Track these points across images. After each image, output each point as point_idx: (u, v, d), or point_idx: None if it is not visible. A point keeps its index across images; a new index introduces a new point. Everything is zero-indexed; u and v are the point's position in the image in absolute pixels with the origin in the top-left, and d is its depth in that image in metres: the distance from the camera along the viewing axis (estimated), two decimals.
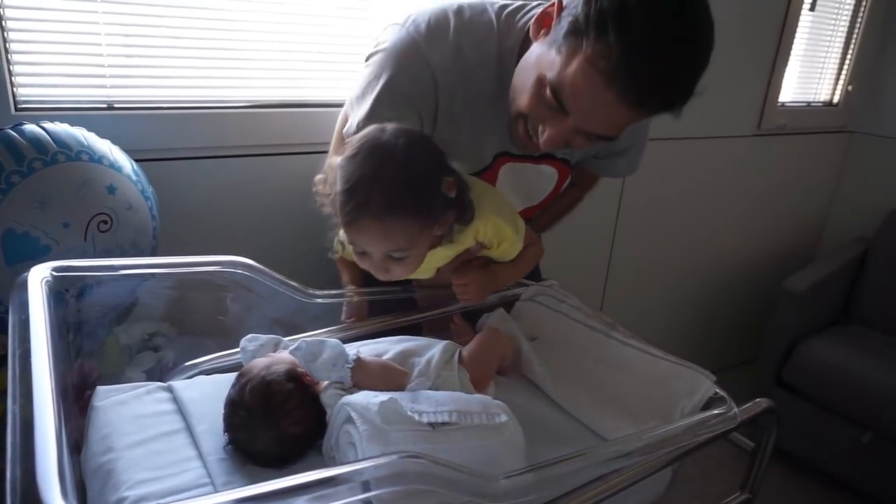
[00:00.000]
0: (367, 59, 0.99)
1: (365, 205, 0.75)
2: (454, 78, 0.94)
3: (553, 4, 0.84)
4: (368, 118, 0.92)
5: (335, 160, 0.82)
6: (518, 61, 0.92)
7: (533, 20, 0.88)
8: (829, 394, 2.07)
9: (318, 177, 0.86)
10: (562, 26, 0.80)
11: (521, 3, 0.99)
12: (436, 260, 0.93)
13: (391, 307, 1.10)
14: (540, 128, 0.88)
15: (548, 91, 0.83)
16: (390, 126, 0.80)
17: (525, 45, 0.91)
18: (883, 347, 2.19)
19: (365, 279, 1.04)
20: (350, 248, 0.88)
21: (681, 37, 0.76)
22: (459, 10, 0.95)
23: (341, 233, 0.92)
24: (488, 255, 0.97)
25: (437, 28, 0.93)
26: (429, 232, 0.82)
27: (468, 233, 0.90)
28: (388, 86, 0.92)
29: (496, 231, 0.92)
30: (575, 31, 0.78)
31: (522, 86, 0.88)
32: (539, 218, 1.26)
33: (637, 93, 0.78)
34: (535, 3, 0.97)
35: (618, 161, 1.16)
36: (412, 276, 0.96)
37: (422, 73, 0.93)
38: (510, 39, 0.94)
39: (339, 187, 0.77)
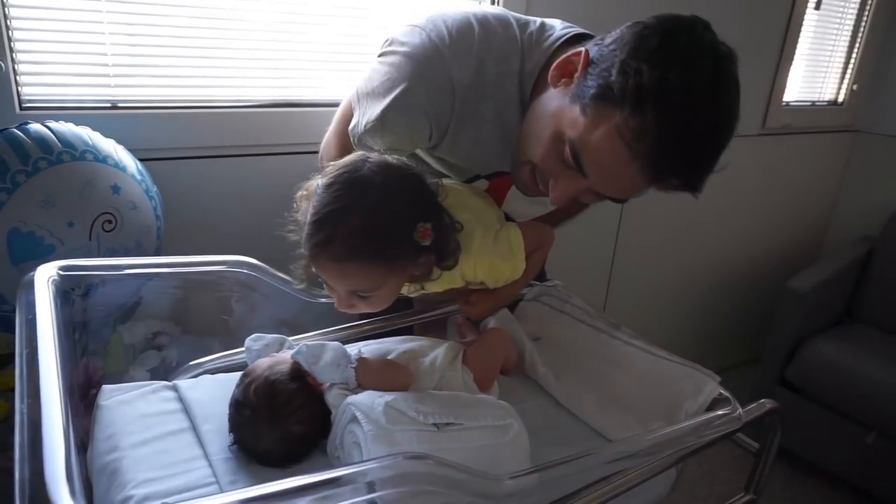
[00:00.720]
0: (381, 55, 0.93)
1: (327, 243, 0.72)
2: (472, 93, 0.89)
3: (579, 53, 0.80)
4: (379, 121, 0.89)
5: (312, 184, 0.79)
6: (534, 86, 0.88)
7: (554, 65, 0.83)
8: (833, 394, 2.07)
9: (300, 193, 0.82)
10: (589, 85, 0.77)
11: (540, 21, 0.95)
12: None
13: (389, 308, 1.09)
14: (551, 181, 0.85)
15: (567, 150, 0.79)
16: (374, 158, 0.77)
17: (545, 71, 0.87)
18: (887, 347, 2.18)
19: None
20: None
21: (715, 123, 0.75)
22: (485, 21, 0.90)
23: None
24: (493, 286, 0.93)
25: (460, 39, 0.88)
26: (398, 275, 0.78)
27: (455, 273, 0.85)
28: (406, 93, 0.87)
29: (489, 270, 0.88)
30: (605, 97, 0.75)
31: (537, 136, 0.84)
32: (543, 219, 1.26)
33: (662, 172, 0.77)
34: (559, 29, 0.92)
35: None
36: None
37: (442, 86, 0.88)
38: (531, 62, 0.90)
39: (307, 218, 0.75)
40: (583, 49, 0.80)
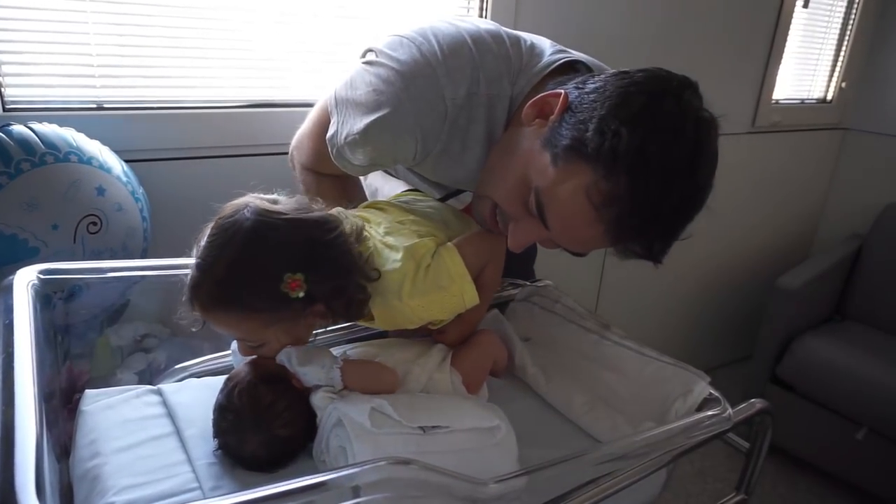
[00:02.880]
0: (368, 63, 0.86)
1: (197, 290, 0.71)
2: (464, 114, 0.85)
3: (557, 95, 0.76)
4: (362, 136, 0.84)
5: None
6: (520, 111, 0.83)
7: (530, 103, 0.79)
8: (824, 390, 2.08)
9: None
10: (563, 134, 0.72)
11: (530, 41, 0.90)
12: (383, 325, 0.86)
13: None
14: (511, 225, 0.81)
15: (532, 197, 0.76)
16: (255, 204, 0.76)
17: (531, 95, 0.82)
18: (878, 344, 2.19)
19: None
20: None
21: (689, 196, 0.73)
22: (478, 38, 0.85)
23: None
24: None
25: (453, 56, 0.82)
26: (280, 326, 0.74)
27: (402, 315, 0.81)
28: (394, 113, 0.82)
29: (435, 308, 0.83)
30: (579, 152, 0.71)
31: (503, 174, 0.81)
32: None
33: (626, 239, 0.75)
34: (549, 53, 0.88)
35: None
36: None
37: (433, 107, 0.82)
38: (519, 86, 0.86)
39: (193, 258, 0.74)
40: (562, 91, 0.76)
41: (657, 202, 0.70)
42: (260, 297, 0.71)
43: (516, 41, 0.88)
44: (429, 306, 0.82)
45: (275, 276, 0.70)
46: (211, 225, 0.74)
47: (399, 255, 0.79)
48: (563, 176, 0.72)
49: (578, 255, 0.83)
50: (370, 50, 0.88)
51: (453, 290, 0.82)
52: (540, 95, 0.78)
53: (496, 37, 0.86)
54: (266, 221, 0.73)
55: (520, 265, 1.26)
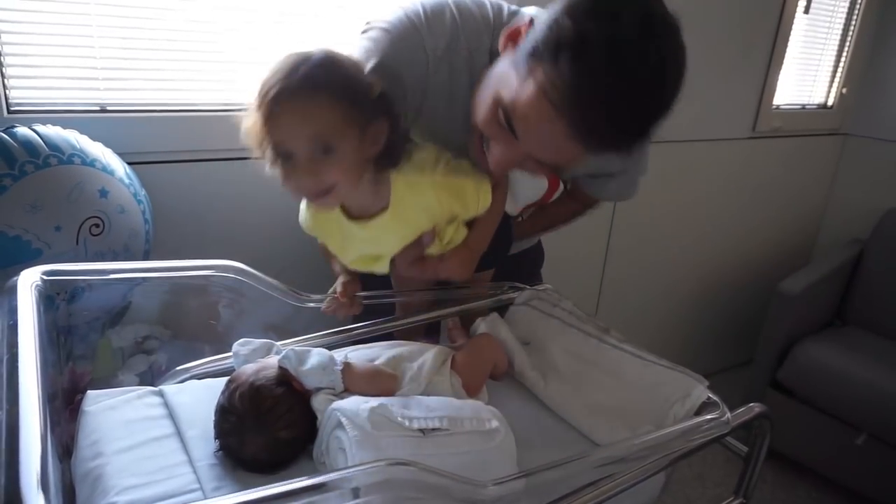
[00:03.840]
0: (364, 32, 0.94)
1: (286, 87, 0.74)
2: (445, 66, 0.91)
3: (528, 23, 0.80)
4: None
5: None
6: None
7: (504, 33, 0.83)
8: (824, 396, 2.08)
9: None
10: (524, 47, 0.76)
11: (517, 7, 0.97)
12: (389, 234, 0.90)
13: (370, 314, 1.08)
14: (491, 146, 0.85)
15: (501, 112, 0.79)
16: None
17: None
18: (878, 350, 2.19)
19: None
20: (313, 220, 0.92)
21: (639, 82, 0.71)
22: (461, 3, 0.93)
23: (303, 220, 0.96)
24: (455, 217, 0.93)
25: (434, 15, 0.90)
26: (355, 131, 0.77)
27: (418, 201, 0.87)
28: (381, 64, 0.87)
29: (453, 189, 0.88)
30: (533, 55, 0.74)
31: (481, 100, 0.84)
32: (534, 221, 1.26)
33: (585, 129, 0.74)
34: (533, 12, 0.94)
35: (608, 183, 1.14)
36: (372, 271, 0.96)
37: (416, 56, 0.89)
38: (498, 40, 0.89)
39: (264, 82, 0.76)
40: (531, 17, 0.81)
41: (603, 87, 0.70)
42: (348, 84, 0.77)
43: (499, 7, 0.95)
44: (447, 187, 0.88)
45: (359, 74, 0.79)
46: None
47: (427, 146, 0.90)
48: (522, 81, 0.76)
49: (558, 172, 0.86)
50: (367, 22, 0.95)
51: (471, 182, 0.89)
52: (513, 26, 0.83)
53: (479, 3, 0.94)
54: (339, 56, 0.80)
55: (528, 271, 1.28)
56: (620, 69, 0.70)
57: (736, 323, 2.70)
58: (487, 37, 0.92)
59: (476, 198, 0.91)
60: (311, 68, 0.75)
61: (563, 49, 0.71)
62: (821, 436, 2.10)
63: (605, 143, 0.77)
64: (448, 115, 0.93)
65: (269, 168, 0.82)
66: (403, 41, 0.89)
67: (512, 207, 1.08)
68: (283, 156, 0.78)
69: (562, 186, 1.16)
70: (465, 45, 0.91)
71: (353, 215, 0.90)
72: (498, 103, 0.80)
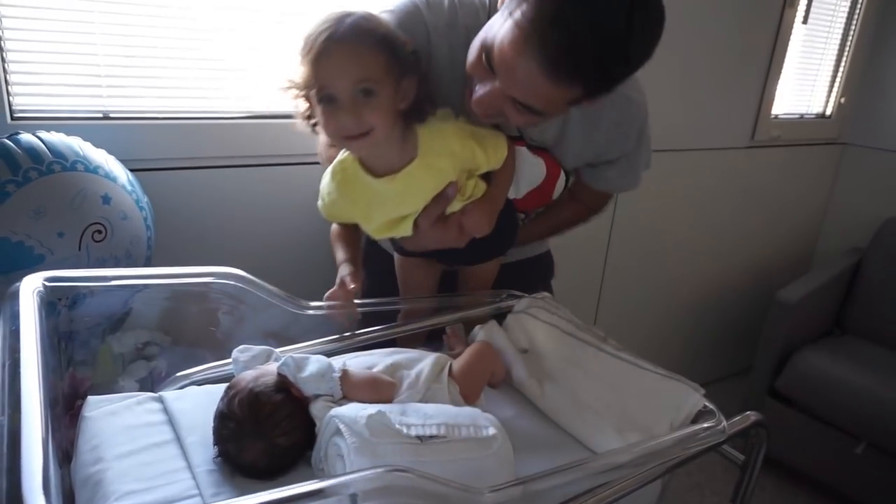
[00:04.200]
0: None
1: (334, 33, 0.80)
2: (444, 42, 0.97)
3: None
4: None
5: None
6: None
7: None
8: (823, 404, 2.08)
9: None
10: None
11: None
12: (416, 186, 0.93)
13: (372, 322, 1.09)
14: (475, 88, 0.90)
15: (484, 54, 0.85)
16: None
17: None
18: (877, 358, 2.20)
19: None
20: (340, 210, 0.98)
21: (601, 17, 0.76)
22: (427, 2, 0.99)
23: (325, 196, 0.99)
24: (473, 172, 0.99)
25: (407, 19, 0.97)
26: (392, 80, 0.84)
27: (445, 145, 0.93)
28: None
29: (475, 138, 0.95)
30: None
31: (471, 48, 0.90)
32: (538, 223, 1.26)
33: (549, 61, 0.78)
34: None
35: (608, 171, 1.15)
36: (395, 235, 0.99)
37: (418, 30, 0.96)
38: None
39: (310, 32, 0.82)
40: None
41: (572, 17, 0.75)
42: (389, 37, 0.84)
43: None
44: (470, 131, 0.94)
45: (393, 35, 0.86)
46: None
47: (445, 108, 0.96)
48: (502, 21, 0.82)
49: (539, 112, 0.88)
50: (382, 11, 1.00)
51: (489, 130, 0.97)
52: None
53: None
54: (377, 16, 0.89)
55: (537, 281, 1.31)
56: (587, 5, 0.75)
57: (735, 331, 2.70)
58: (483, 14, 0.97)
59: (494, 145, 0.97)
60: (357, 19, 0.83)
61: None
62: (820, 444, 2.10)
63: (569, 78, 0.80)
64: (450, 88, 0.98)
65: (304, 122, 0.90)
66: (406, 19, 0.96)
67: (514, 192, 1.09)
68: (327, 99, 0.83)
69: (563, 177, 1.16)
70: (462, 22, 0.97)
71: (380, 174, 0.93)
72: (483, 46, 0.86)
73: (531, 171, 1.11)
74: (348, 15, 0.83)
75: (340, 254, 1.07)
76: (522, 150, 1.08)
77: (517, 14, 0.79)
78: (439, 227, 0.98)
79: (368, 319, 1.08)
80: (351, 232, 1.09)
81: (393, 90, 0.85)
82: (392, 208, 0.96)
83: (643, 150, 1.15)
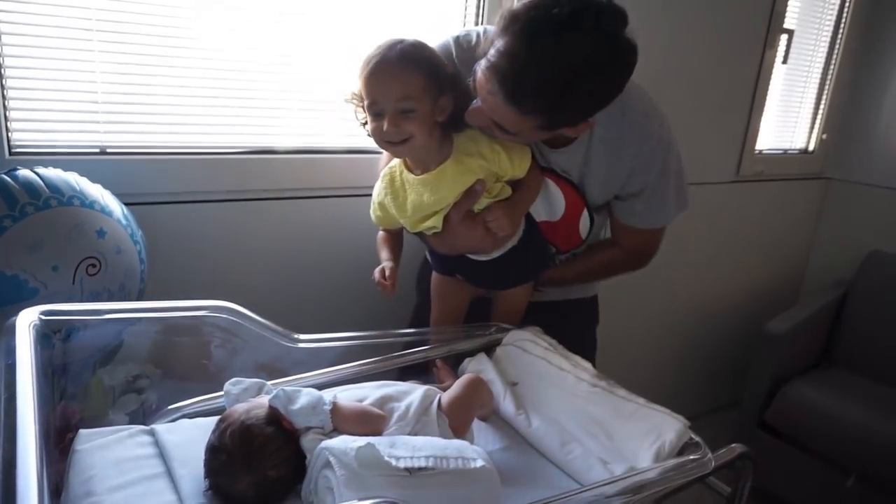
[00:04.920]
0: None
1: (384, 59, 0.97)
2: (468, 74, 1.03)
3: None
4: None
5: None
6: None
7: None
8: (813, 437, 2.09)
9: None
10: None
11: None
12: (448, 181, 1.05)
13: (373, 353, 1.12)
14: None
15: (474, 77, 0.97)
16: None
17: None
18: (865, 391, 2.21)
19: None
20: (386, 205, 1.11)
21: (559, 56, 0.87)
22: (457, 39, 1.13)
23: (376, 197, 1.14)
24: (500, 176, 1.09)
25: (442, 52, 1.08)
26: (430, 97, 0.99)
27: (476, 148, 1.05)
28: None
29: (504, 145, 1.06)
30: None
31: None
32: (572, 263, 1.29)
33: (509, 93, 0.90)
34: None
35: (635, 205, 1.18)
36: (428, 228, 1.10)
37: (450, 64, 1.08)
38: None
39: (368, 54, 0.99)
40: None
41: (532, 56, 0.87)
42: (432, 62, 0.99)
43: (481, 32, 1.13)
44: (502, 143, 1.06)
45: (439, 58, 1.02)
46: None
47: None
48: (484, 52, 0.94)
49: (510, 133, 1.00)
50: None
51: (520, 147, 1.08)
52: None
53: (468, 36, 1.14)
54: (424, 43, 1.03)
55: (579, 327, 1.41)
56: (545, 47, 0.86)
57: (724, 364, 2.72)
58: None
59: (520, 156, 1.09)
60: (406, 46, 0.98)
61: (500, 24, 0.90)
62: (810, 477, 2.11)
63: (529, 108, 0.93)
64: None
65: (361, 126, 1.06)
66: (441, 52, 1.08)
67: (533, 210, 1.18)
68: (375, 111, 1.00)
69: (587, 214, 1.21)
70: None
71: (420, 172, 1.08)
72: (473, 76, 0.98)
73: (549, 199, 1.18)
74: (400, 42, 0.99)
75: (384, 254, 1.16)
76: (546, 181, 1.16)
77: (491, 50, 0.91)
78: (467, 222, 1.07)
79: (363, 351, 1.10)
80: (394, 238, 1.21)
81: (430, 106, 0.99)
82: (427, 201, 1.07)
83: (670, 186, 1.18)
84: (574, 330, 1.20)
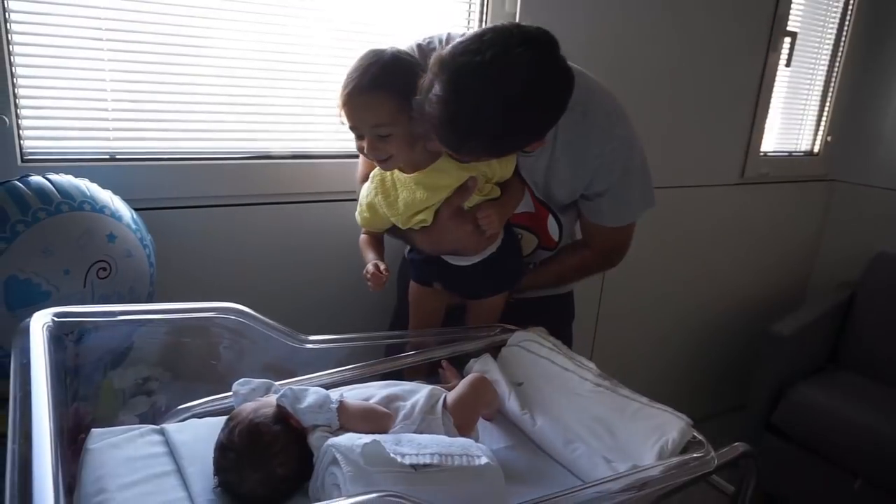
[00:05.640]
0: None
1: (356, 86, 0.99)
2: None
3: None
4: None
5: None
6: None
7: None
8: (820, 439, 2.08)
9: None
10: None
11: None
12: (440, 178, 1.08)
13: (384, 352, 1.15)
14: None
15: None
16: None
17: None
18: (872, 393, 2.20)
19: None
20: (376, 205, 1.13)
21: (478, 99, 0.90)
22: (420, 47, 1.14)
23: (364, 199, 1.16)
24: (489, 178, 1.12)
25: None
26: (405, 117, 1.00)
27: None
28: None
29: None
30: None
31: None
32: (545, 268, 1.31)
33: (437, 128, 0.94)
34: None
35: (601, 204, 1.21)
36: (418, 223, 1.12)
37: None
38: None
39: (345, 77, 1.02)
40: None
41: (454, 103, 0.90)
42: (403, 83, 0.98)
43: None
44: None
45: (415, 74, 0.98)
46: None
47: None
48: None
49: (461, 159, 1.05)
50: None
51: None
52: None
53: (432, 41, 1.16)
54: (405, 52, 1.06)
55: (561, 322, 1.40)
56: (459, 91, 0.90)
57: (730, 367, 2.71)
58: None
59: (506, 159, 1.11)
60: (377, 70, 0.99)
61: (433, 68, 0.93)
62: (818, 480, 2.09)
63: (460, 147, 0.97)
64: None
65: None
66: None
67: None
68: (357, 135, 1.05)
69: (553, 220, 1.24)
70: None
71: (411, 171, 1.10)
72: None
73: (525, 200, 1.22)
74: (376, 61, 1.00)
75: (370, 255, 1.18)
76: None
77: (430, 95, 0.93)
78: (457, 218, 1.10)
79: (369, 352, 1.11)
80: (377, 241, 1.22)
81: (406, 125, 1.01)
82: (420, 198, 1.09)
83: (634, 184, 1.20)
84: (548, 326, 1.22)
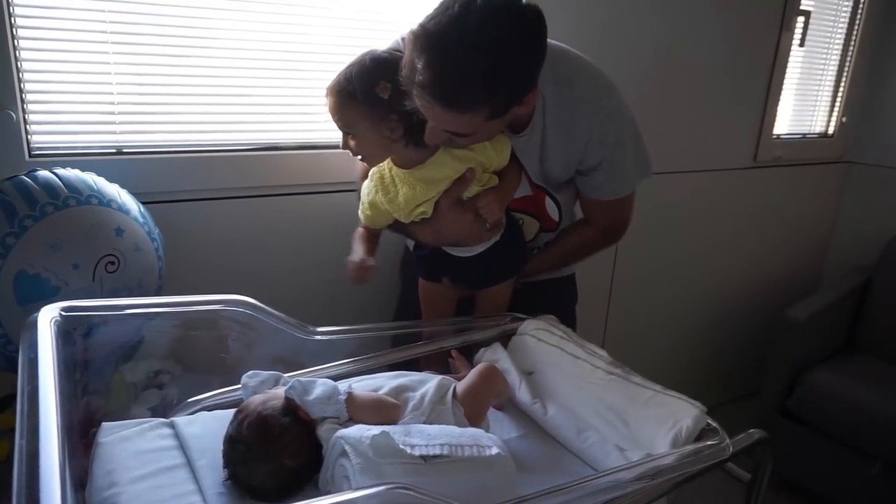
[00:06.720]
0: None
1: (333, 92, 1.05)
2: None
3: None
4: None
5: None
6: None
7: None
8: (836, 424, 2.06)
9: None
10: None
11: None
12: (439, 170, 1.09)
13: (392, 342, 1.14)
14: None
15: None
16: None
17: None
18: (889, 377, 2.18)
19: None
20: (377, 202, 1.13)
21: (463, 58, 0.92)
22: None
23: (365, 197, 1.16)
24: (486, 167, 1.12)
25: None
26: (369, 123, 1.04)
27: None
28: None
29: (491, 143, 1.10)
30: None
31: None
32: (548, 251, 1.30)
33: (441, 101, 0.94)
34: None
35: (597, 177, 1.21)
36: (418, 216, 1.12)
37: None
38: None
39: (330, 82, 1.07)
40: None
41: (439, 62, 0.92)
42: (363, 92, 1.02)
43: None
44: (494, 142, 1.10)
45: (374, 82, 1.02)
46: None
47: None
48: None
49: (464, 134, 1.03)
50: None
51: (500, 137, 1.11)
52: None
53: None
54: (384, 54, 1.06)
55: (565, 304, 1.40)
56: (439, 49, 0.92)
57: (745, 352, 2.69)
58: None
59: (502, 145, 1.12)
60: (354, 76, 1.03)
61: (410, 45, 0.95)
62: (835, 465, 2.08)
63: (466, 107, 0.96)
64: None
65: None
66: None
67: None
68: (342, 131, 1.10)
69: (551, 200, 1.24)
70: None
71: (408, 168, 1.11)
72: None
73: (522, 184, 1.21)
74: (348, 68, 1.05)
75: (360, 248, 1.17)
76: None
77: (416, 74, 0.94)
78: (457, 209, 1.10)
79: (377, 342, 1.11)
80: (374, 236, 1.22)
81: (375, 131, 1.05)
82: (420, 192, 1.09)
83: (628, 155, 1.20)
84: (552, 309, 1.22)
